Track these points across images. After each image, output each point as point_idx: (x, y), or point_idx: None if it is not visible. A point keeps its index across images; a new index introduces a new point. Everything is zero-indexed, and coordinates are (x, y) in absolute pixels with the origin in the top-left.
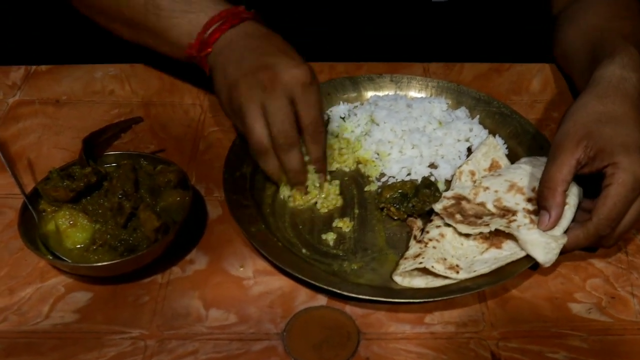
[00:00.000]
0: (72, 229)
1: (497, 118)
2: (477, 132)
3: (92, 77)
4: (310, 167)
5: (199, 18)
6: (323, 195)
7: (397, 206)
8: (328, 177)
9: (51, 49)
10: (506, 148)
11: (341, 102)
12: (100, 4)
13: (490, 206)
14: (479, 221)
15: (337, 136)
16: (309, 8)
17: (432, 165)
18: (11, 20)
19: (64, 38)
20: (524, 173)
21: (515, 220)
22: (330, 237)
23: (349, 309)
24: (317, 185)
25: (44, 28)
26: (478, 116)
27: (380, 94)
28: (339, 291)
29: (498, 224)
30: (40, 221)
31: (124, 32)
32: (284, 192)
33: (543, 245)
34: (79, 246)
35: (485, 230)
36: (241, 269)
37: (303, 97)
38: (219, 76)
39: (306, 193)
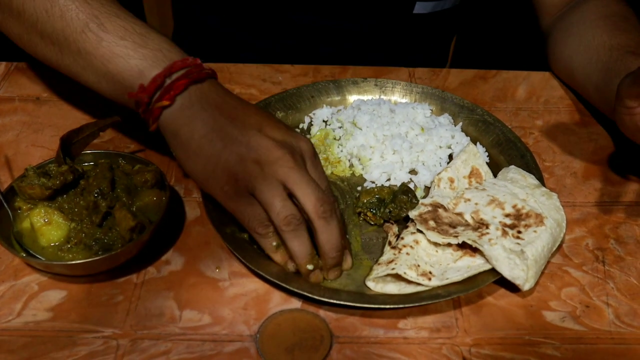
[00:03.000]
0: (47, 226)
1: (480, 126)
2: (459, 140)
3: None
4: None
5: (156, 57)
6: None
7: (374, 211)
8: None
9: None
10: (487, 156)
11: (325, 106)
12: (21, 5)
13: (467, 217)
14: (451, 230)
15: (319, 140)
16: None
17: (413, 172)
18: None
19: None
20: (508, 191)
21: (487, 233)
22: None
23: (322, 312)
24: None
25: None
26: (461, 123)
27: (364, 98)
28: (312, 295)
29: (467, 236)
30: (15, 219)
31: (45, 49)
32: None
33: (506, 260)
34: (53, 244)
35: (454, 241)
36: (217, 270)
37: (295, 177)
38: (191, 143)
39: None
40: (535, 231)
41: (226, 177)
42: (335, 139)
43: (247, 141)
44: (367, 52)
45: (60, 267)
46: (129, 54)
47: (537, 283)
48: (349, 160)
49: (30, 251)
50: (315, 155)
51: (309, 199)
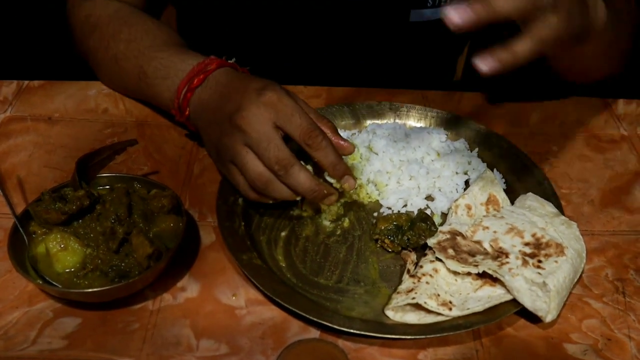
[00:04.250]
0: (63, 252)
1: (495, 151)
2: (476, 166)
3: (86, 94)
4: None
5: (173, 83)
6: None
7: (392, 238)
8: (354, 184)
9: (44, 63)
10: (504, 182)
11: (340, 130)
12: (102, 64)
13: (486, 245)
14: (471, 259)
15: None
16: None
17: (429, 198)
18: (3, 33)
19: (57, 53)
20: (526, 220)
21: (508, 262)
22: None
23: (341, 342)
24: (347, 190)
25: (37, 42)
26: (477, 149)
27: (379, 122)
28: (330, 324)
29: (487, 266)
30: (30, 243)
31: (124, 91)
32: (308, 210)
33: (528, 292)
34: (69, 270)
35: (474, 270)
36: (233, 297)
37: (280, 113)
38: (204, 138)
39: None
40: (556, 261)
41: (216, 150)
42: (358, 160)
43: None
44: (373, 67)
45: (76, 295)
46: (161, 91)
47: (558, 315)
48: (367, 186)
49: (46, 277)
50: (278, 98)
51: (295, 131)
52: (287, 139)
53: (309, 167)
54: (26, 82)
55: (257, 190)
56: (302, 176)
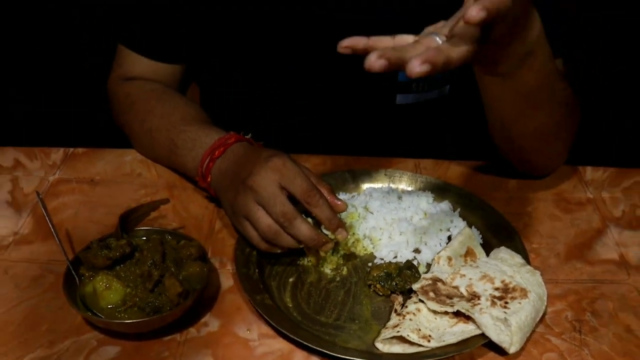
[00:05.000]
0: (107, 291)
1: (476, 212)
2: (457, 224)
3: (123, 160)
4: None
5: (198, 155)
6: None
7: (382, 284)
8: (346, 235)
9: (87, 133)
10: (481, 238)
11: (341, 193)
12: (137, 135)
13: (462, 289)
14: (448, 301)
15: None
16: (310, 112)
17: (417, 250)
18: (52, 108)
19: (98, 124)
20: (498, 269)
21: (479, 303)
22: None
23: None
24: (340, 239)
25: (81, 114)
26: (459, 209)
27: (375, 186)
28: (330, 353)
29: (461, 306)
30: (80, 284)
31: (155, 159)
32: (312, 260)
33: (493, 327)
34: (111, 306)
35: (450, 310)
36: (248, 331)
37: (285, 176)
38: (222, 200)
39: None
40: (519, 303)
41: (232, 209)
42: (356, 218)
43: (243, 187)
44: (371, 139)
45: (117, 325)
46: (187, 161)
47: (522, 348)
48: (363, 241)
49: (93, 311)
50: (283, 164)
51: (297, 190)
52: (292, 197)
53: (310, 221)
54: (71, 149)
55: (267, 241)
56: (303, 227)
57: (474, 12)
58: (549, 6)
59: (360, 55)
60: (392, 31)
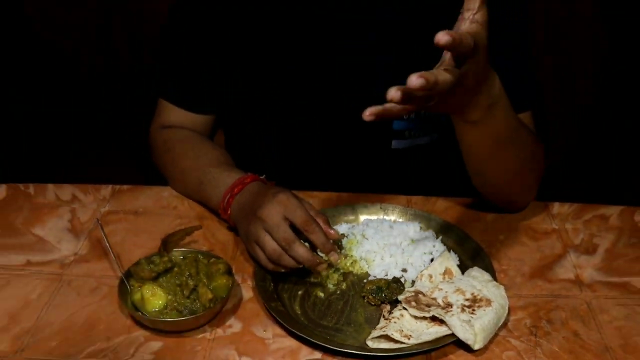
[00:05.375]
0: (152, 297)
1: (454, 239)
2: (439, 248)
3: (161, 195)
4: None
5: (220, 192)
6: (332, 270)
7: (374, 295)
8: (338, 258)
9: (130, 172)
10: (458, 260)
11: (343, 223)
12: (173, 175)
13: (439, 300)
14: (427, 308)
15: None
16: (316, 156)
17: (404, 270)
18: (102, 150)
19: (140, 165)
20: (469, 284)
21: (451, 310)
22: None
23: None
24: (333, 262)
25: (124, 157)
26: (441, 237)
27: (371, 217)
28: (328, 346)
29: (436, 312)
30: (131, 292)
31: (187, 195)
32: (316, 277)
33: (460, 327)
34: (156, 310)
35: (428, 315)
36: (264, 332)
37: (288, 209)
38: (239, 228)
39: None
40: (484, 310)
41: (246, 235)
42: (354, 244)
43: (254, 217)
44: (366, 178)
45: (161, 324)
46: (212, 196)
47: (486, 347)
48: (360, 262)
49: (142, 312)
50: (287, 199)
51: (297, 221)
52: (294, 227)
53: (308, 245)
54: (118, 186)
55: (272, 262)
56: (301, 250)
57: (440, 35)
58: (517, 72)
59: (358, 109)
60: (393, 31)
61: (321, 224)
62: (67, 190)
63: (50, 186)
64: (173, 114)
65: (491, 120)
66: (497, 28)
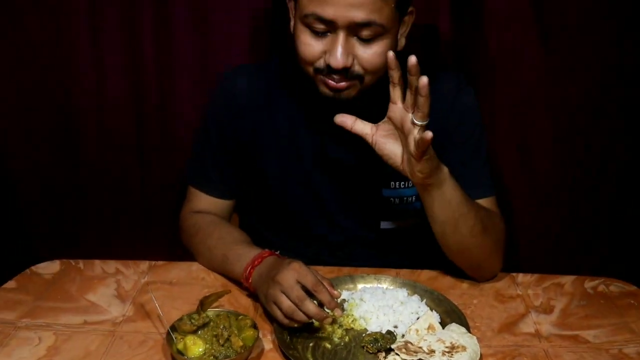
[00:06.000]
0: (194, 346)
1: (436, 302)
2: (423, 309)
3: (190, 269)
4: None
5: (243, 264)
6: (336, 325)
7: (372, 345)
8: (341, 313)
9: (164, 251)
10: (439, 317)
11: (344, 290)
12: (200, 252)
13: (424, 348)
14: (415, 354)
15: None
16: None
17: (395, 326)
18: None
19: (172, 245)
20: (449, 336)
21: (434, 355)
22: None
23: None
24: (336, 317)
25: (160, 237)
26: (425, 300)
27: (367, 286)
28: None
29: (422, 356)
30: (176, 342)
31: (213, 269)
32: (317, 323)
33: None
34: (196, 356)
35: (415, 358)
36: None
37: (300, 274)
38: (260, 294)
39: (333, 322)
40: (460, 354)
41: (265, 297)
42: (355, 305)
43: (272, 282)
44: (360, 255)
45: None
46: (235, 268)
47: None
48: (359, 320)
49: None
50: (299, 267)
51: (308, 283)
52: (305, 289)
53: (316, 303)
54: (154, 262)
55: (288, 317)
56: (311, 306)
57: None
58: (475, 171)
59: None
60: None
61: (327, 286)
62: (111, 265)
63: (97, 262)
64: (201, 201)
65: (445, 189)
66: (458, 142)
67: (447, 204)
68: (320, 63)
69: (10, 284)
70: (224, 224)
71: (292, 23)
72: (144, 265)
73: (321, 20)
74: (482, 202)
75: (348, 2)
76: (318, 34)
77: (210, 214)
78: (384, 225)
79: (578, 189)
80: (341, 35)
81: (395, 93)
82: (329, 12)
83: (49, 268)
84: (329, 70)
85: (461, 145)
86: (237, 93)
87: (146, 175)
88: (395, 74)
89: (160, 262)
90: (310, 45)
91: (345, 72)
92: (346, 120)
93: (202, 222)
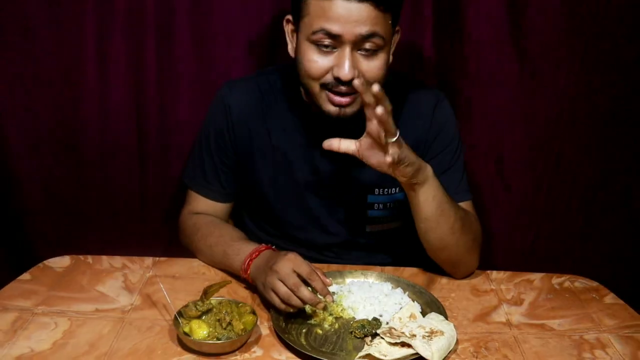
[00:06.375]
0: (199, 329)
1: (417, 294)
2: (405, 300)
3: (191, 265)
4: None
5: (242, 257)
6: (327, 313)
7: (359, 330)
8: (332, 299)
9: (165, 247)
10: (420, 307)
11: (334, 284)
12: (201, 249)
13: (407, 332)
14: (398, 338)
15: (333, 301)
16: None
17: (380, 315)
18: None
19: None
20: (428, 323)
21: (415, 338)
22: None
23: None
24: (328, 302)
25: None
26: (407, 292)
27: (355, 280)
28: None
29: (404, 339)
30: (182, 325)
31: (213, 264)
32: (309, 310)
33: (421, 346)
34: (200, 338)
35: (398, 340)
36: (279, 355)
37: (295, 264)
38: (258, 284)
39: (325, 309)
40: (439, 338)
41: (263, 286)
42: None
43: (270, 271)
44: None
45: (206, 346)
46: (235, 261)
47: None
48: (347, 310)
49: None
50: (294, 256)
51: (303, 272)
52: (300, 277)
53: (310, 289)
54: (157, 258)
55: (284, 303)
56: (305, 292)
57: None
58: (455, 178)
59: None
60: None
61: (320, 275)
62: (118, 260)
63: (104, 257)
64: (200, 203)
65: (427, 188)
66: (437, 152)
67: (431, 201)
68: (327, 78)
69: (25, 276)
70: (223, 223)
71: (291, 45)
72: (149, 260)
73: (329, 35)
74: (461, 205)
75: (353, 17)
76: (324, 51)
77: (209, 215)
78: (369, 228)
79: (551, 196)
80: (347, 49)
81: (368, 112)
82: (336, 27)
83: (60, 262)
84: (337, 82)
85: (440, 154)
86: (233, 106)
87: (146, 180)
88: (365, 98)
89: (163, 258)
90: (317, 62)
91: (351, 85)
92: (332, 143)
93: (201, 222)
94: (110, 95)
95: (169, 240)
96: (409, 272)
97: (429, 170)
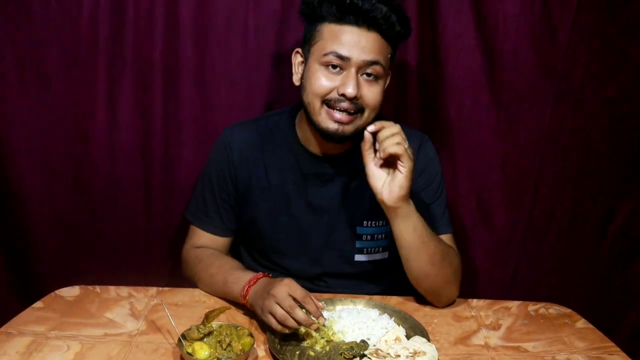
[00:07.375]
0: (201, 350)
1: (402, 319)
2: (391, 325)
3: (193, 294)
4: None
5: (241, 284)
6: (319, 335)
7: (349, 352)
8: (324, 321)
9: (169, 279)
10: (404, 332)
11: (325, 311)
12: (202, 279)
13: (392, 353)
14: (383, 358)
15: (324, 325)
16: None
17: (368, 338)
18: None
19: (176, 275)
20: (412, 345)
21: (400, 357)
22: None
23: None
24: (320, 324)
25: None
26: (393, 318)
27: (345, 307)
28: None
29: (389, 359)
30: (186, 346)
31: (213, 293)
32: (302, 331)
33: None
34: (202, 358)
35: None
36: None
37: (291, 289)
38: (256, 308)
39: (317, 330)
40: (422, 358)
41: (261, 310)
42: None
43: (267, 295)
44: (338, 283)
45: None
46: (234, 289)
47: None
48: (338, 333)
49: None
50: (289, 282)
51: (298, 295)
52: (295, 300)
53: (304, 311)
54: (161, 288)
55: (281, 324)
56: (300, 314)
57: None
58: (437, 212)
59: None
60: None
61: (313, 299)
62: (124, 290)
63: (112, 287)
64: (202, 237)
65: (408, 217)
66: (422, 187)
67: (412, 231)
68: (332, 95)
69: (38, 304)
70: (223, 255)
71: (297, 75)
72: (153, 290)
73: (339, 57)
74: (442, 237)
75: (361, 45)
76: (332, 72)
77: (210, 248)
78: (358, 258)
79: (527, 232)
80: (353, 71)
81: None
82: (346, 50)
83: (70, 292)
84: (342, 97)
85: (424, 189)
86: (234, 147)
87: (150, 216)
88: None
89: (166, 288)
90: (325, 80)
91: (352, 102)
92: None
93: (203, 254)
94: (119, 137)
95: (171, 272)
96: (396, 301)
97: (412, 205)
